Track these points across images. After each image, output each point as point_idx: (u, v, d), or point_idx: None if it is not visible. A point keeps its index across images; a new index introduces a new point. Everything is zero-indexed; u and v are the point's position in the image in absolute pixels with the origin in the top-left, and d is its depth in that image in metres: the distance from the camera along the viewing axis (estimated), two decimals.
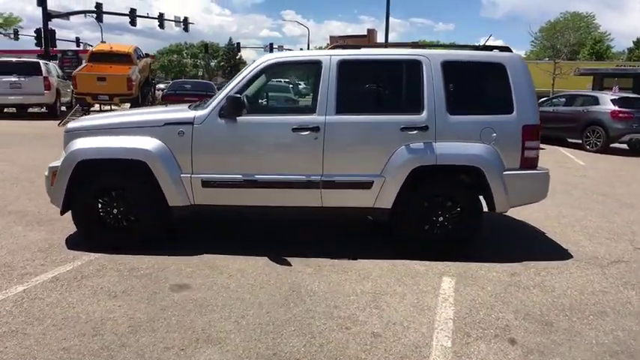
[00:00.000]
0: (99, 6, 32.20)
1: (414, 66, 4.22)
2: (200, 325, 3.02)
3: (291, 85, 16.47)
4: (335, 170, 4.17)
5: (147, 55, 20.07)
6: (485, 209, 4.39)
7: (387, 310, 3.32)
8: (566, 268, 4.22)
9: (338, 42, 51.01)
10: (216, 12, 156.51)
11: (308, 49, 58.29)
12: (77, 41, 50.29)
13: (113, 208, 4.20)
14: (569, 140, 13.89)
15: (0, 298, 3.26)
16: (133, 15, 34.52)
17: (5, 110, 16.70)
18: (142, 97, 17.31)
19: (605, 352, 2.89)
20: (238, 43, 64.15)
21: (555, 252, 4.64)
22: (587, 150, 12.76)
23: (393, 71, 4.33)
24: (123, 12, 36.60)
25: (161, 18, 36.87)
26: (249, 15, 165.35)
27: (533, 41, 41.89)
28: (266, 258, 4.17)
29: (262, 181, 4.15)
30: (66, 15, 29.33)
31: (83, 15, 32.68)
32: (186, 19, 38.71)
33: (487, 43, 4.73)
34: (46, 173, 4.25)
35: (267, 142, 4.17)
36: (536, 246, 4.85)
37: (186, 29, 39.30)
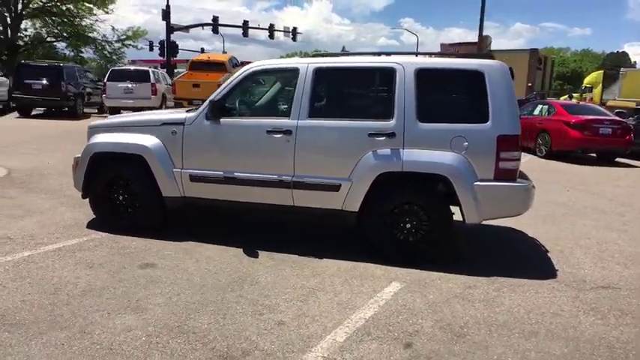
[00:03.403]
0: (215, 19, 35.32)
1: (388, 74, 4.31)
2: (138, 296, 3.49)
3: None
4: (305, 172, 4.41)
5: (243, 64, 21.64)
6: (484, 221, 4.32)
7: (310, 305, 3.50)
8: (537, 288, 3.97)
9: (448, 49, 49.34)
10: (335, 22, 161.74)
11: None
12: (202, 51, 55.54)
13: (120, 196, 4.89)
14: None
15: (8, 259, 4.06)
16: (245, 27, 37.26)
17: (121, 112, 19.28)
18: None
19: None
20: (348, 51, 65.52)
21: (540, 272, 4.35)
22: None
23: (367, 79, 4.46)
24: (240, 24, 39.44)
25: (271, 29, 39.06)
26: (368, 24, 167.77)
27: None
28: (241, 250, 4.55)
29: (240, 178, 4.54)
30: (186, 28, 32.61)
31: (201, 27, 35.91)
32: (294, 29, 40.47)
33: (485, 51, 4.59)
34: (72, 163, 5.09)
35: (244, 142, 4.55)
36: (525, 263, 4.59)
37: (294, 39, 40.96)
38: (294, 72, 4.50)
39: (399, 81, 4.25)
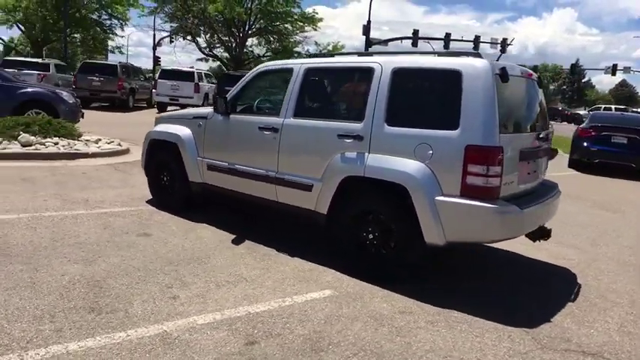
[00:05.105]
0: (415, 32, 35.75)
1: (367, 73, 4.09)
2: (104, 254, 4.16)
3: None
4: (286, 169, 4.50)
5: None
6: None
7: (220, 289, 3.65)
8: (486, 333, 3.28)
9: None
10: (580, 32, 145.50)
11: None
12: None
13: (164, 177, 5.75)
14: None
15: (65, 213, 5.25)
16: (447, 39, 36.70)
17: None
18: None
19: None
20: (576, 66, 58.40)
21: (521, 319, 3.52)
22: None
23: (348, 78, 4.33)
24: (442, 37, 39.01)
25: (476, 41, 37.55)
26: (622, 33, 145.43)
27: None
28: (234, 236, 4.88)
29: (238, 170, 4.88)
30: (384, 41, 33.88)
31: (400, 41, 36.78)
32: (504, 40, 38.18)
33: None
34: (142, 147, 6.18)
35: (242, 137, 4.87)
36: (516, 306, 3.76)
37: (503, 51, 38.57)
38: (290, 72, 4.63)
39: (375, 81, 3.99)
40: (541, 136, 4.08)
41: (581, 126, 12.87)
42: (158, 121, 6.00)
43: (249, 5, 31.77)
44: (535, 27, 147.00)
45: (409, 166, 3.71)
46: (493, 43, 38.77)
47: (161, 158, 5.74)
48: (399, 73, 3.91)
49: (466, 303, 3.67)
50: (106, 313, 3.16)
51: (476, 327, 3.34)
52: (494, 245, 4.92)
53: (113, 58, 42.33)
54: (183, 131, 5.44)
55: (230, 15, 30.01)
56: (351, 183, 4.07)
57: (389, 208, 3.91)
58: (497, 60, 4.01)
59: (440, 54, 4.05)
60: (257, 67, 5.08)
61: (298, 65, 4.59)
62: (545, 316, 3.58)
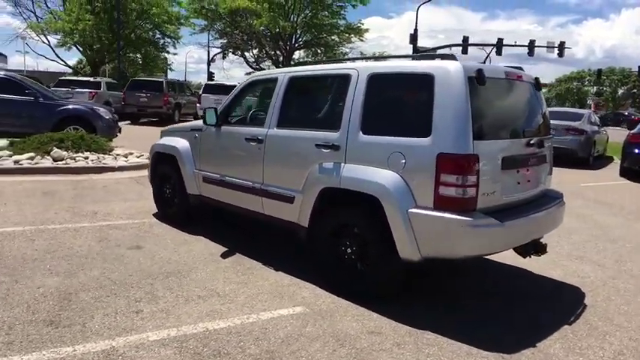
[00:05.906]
0: (465, 39, 34.77)
1: (344, 80, 3.93)
2: (87, 266, 4.21)
3: None
4: (271, 180, 4.39)
5: None
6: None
7: (189, 304, 3.57)
8: (451, 358, 2.99)
9: None
10: None
11: None
12: None
13: (167, 189, 5.80)
14: None
15: (68, 226, 5.39)
16: (499, 44, 35.50)
17: None
18: None
19: None
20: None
21: (499, 342, 3.19)
22: None
23: (328, 86, 4.17)
24: (493, 43, 37.74)
25: (531, 45, 36.18)
26: None
27: None
28: (224, 250, 4.81)
29: (227, 182, 4.83)
30: (432, 49, 33.16)
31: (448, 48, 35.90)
32: (562, 44, 36.44)
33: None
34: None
35: (231, 148, 4.82)
36: (503, 329, 3.41)
37: (561, 54, 36.85)
38: (275, 82, 4.53)
39: (352, 88, 3.82)
40: (532, 142, 3.72)
41: (632, 131, 11.87)
42: (163, 134, 6.09)
43: (294, 19, 32.30)
44: (602, 29, 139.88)
45: (382, 176, 3.49)
46: (549, 47, 37.07)
47: (163, 171, 5.81)
48: (374, 79, 3.72)
49: (446, 324, 3.38)
50: (63, 327, 3.16)
51: (447, 351, 3.05)
52: (500, 259, 4.60)
53: (173, 76, 44.35)
54: (181, 144, 5.47)
55: (275, 29, 30.56)
56: (330, 194, 3.89)
57: (364, 220, 3.69)
58: (484, 62, 3.70)
59: (415, 57, 3.82)
60: (245, 79, 5.03)
61: (282, 75, 4.49)
62: (530, 340, 3.22)
